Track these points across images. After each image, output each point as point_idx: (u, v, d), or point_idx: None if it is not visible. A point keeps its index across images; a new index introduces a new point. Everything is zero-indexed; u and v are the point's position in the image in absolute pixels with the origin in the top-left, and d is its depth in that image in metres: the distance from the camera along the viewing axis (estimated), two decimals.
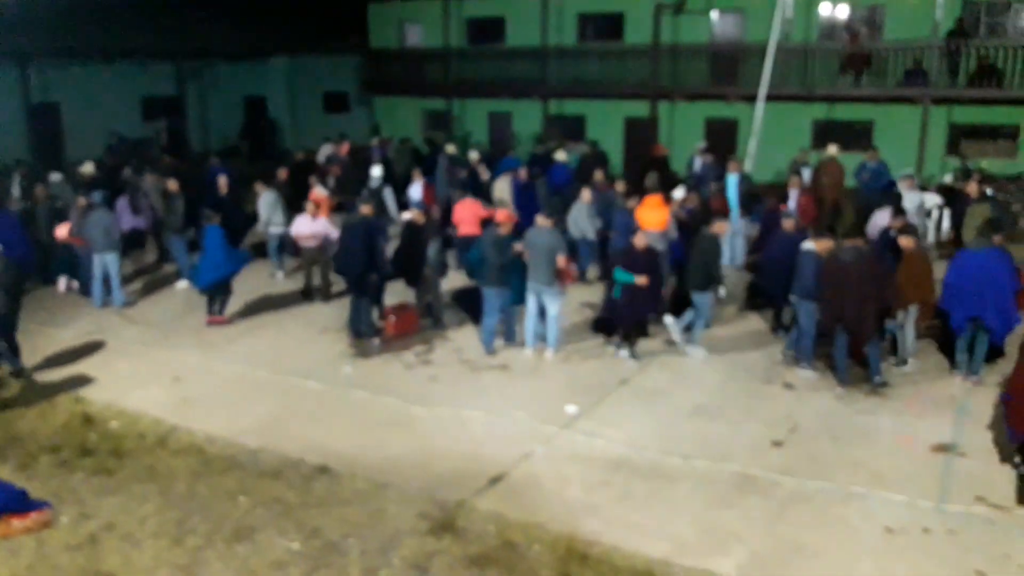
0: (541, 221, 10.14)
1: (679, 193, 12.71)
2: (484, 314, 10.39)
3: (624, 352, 10.12)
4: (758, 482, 7.27)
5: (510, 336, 10.59)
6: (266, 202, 13.75)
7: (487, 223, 11.61)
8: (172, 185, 13.56)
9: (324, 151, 19.88)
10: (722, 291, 10.97)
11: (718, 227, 10.30)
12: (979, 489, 7.03)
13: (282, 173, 14.95)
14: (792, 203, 12.74)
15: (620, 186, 13.36)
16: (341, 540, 6.49)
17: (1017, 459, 7.18)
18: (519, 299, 10.37)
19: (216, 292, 11.52)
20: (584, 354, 10.31)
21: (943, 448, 7.80)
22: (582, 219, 12.66)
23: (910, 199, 12.06)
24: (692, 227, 11.73)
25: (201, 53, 25.85)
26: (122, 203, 14.01)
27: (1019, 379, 7.18)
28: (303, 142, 23.75)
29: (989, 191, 14.10)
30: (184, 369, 10.11)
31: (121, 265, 12.69)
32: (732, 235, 13.72)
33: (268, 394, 9.36)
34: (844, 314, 8.85)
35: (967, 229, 11.42)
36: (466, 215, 13.00)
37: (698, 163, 16.33)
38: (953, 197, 13.63)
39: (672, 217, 11.90)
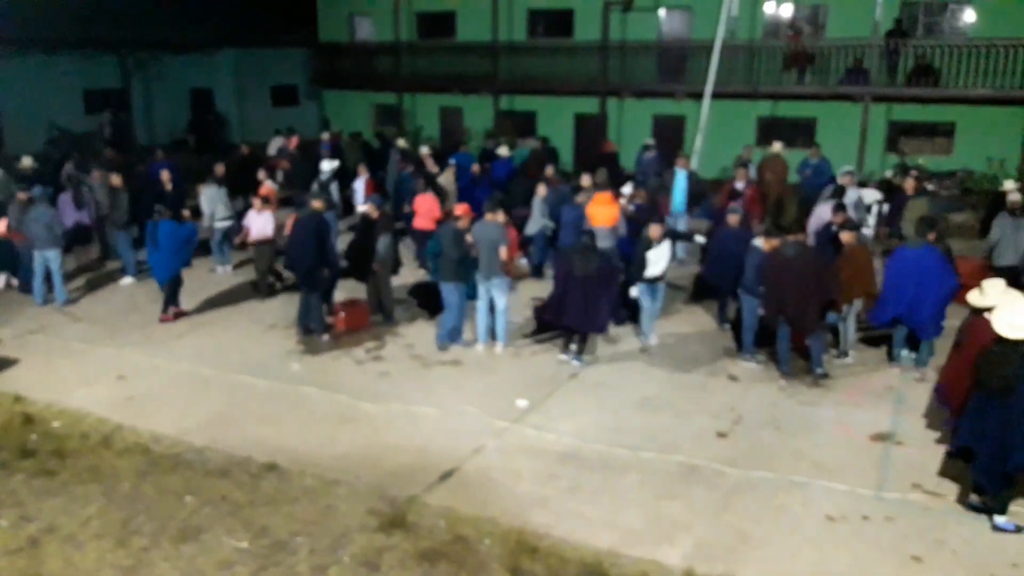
0: (489, 215, 10.19)
1: (627, 189, 12.85)
2: (445, 310, 10.30)
3: (572, 358, 9.89)
4: (703, 472, 7.42)
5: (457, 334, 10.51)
6: (207, 197, 13.57)
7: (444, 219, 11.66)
8: (116, 180, 13.30)
9: (274, 144, 19.66)
10: (634, 291, 10.56)
11: (652, 231, 10.03)
12: (915, 477, 7.26)
13: (219, 168, 14.72)
14: (739, 190, 12.99)
15: (586, 180, 13.29)
16: (290, 538, 6.45)
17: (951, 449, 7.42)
18: (473, 294, 10.31)
19: (175, 284, 11.48)
20: (535, 349, 10.38)
21: (881, 437, 8.04)
22: (538, 214, 12.73)
23: (848, 195, 12.38)
24: (640, 222, 11.88)
25: (146, 44, 25.32)
26: (65, 198, 13.68)
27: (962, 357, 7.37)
28: (251, 136, 23.44)
29: (930, 187, 14.53)
30: (129, 367, 9.92)
31: (64, 261, 12.39)
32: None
33: (215, 392, 9.24)
34: (786, 307, 9.06)
35: (906, 223, 11.77)
36: (423, 209, 12.97)
37: (646, 159, 16.53)
38: (892, 193, 14.02)
39: (621, 213, 12.02)
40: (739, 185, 13.21)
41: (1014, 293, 6.98)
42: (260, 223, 12.18)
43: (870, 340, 10.30)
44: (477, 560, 6.15)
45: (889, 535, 6.42)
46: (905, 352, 9.56)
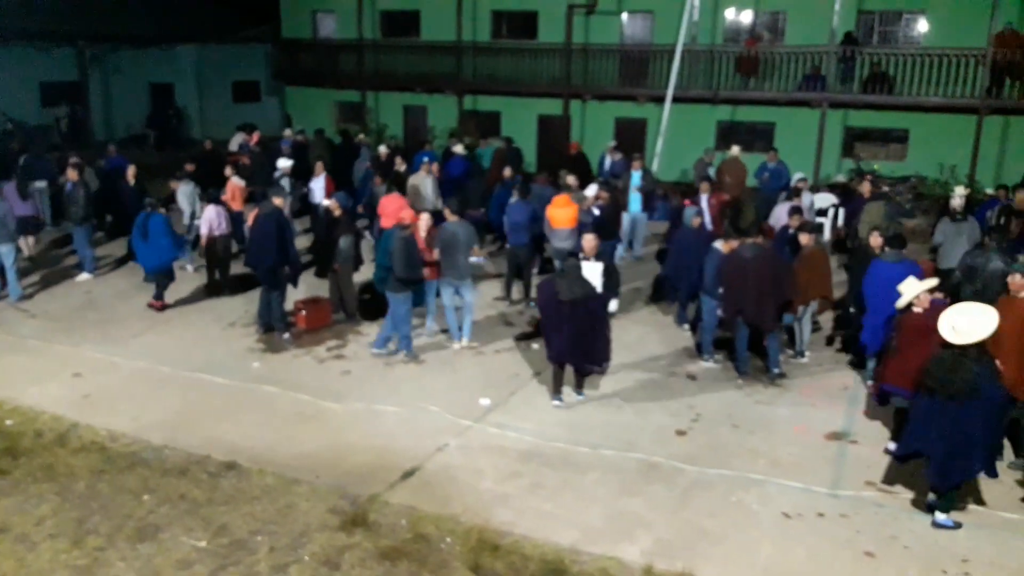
0: (449, 215, 10.16)
1: (591, 191, 12.95)
2: (397, 322, 9.87)
3: (576, 394, 8.95)
4: (663, 470, 7.52)
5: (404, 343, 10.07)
6: (184, 194, 13.42)
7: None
8: (73, 175, 13.06)
9: (236, 141, 19.44)
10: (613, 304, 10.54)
11: (587, 242, 9.57)
12: (869, 474, 7.44)
13: (189, 166, 14.57)
14: (704, 203, 13.11)
15: (572, 179, 13.26)
16: (249, 537, 6.41)
17: (891, 444, 7.62)
18: (419, 301, 10.14)
19: (160, 278, 11.53)
20: (498, 347, 10.41)
21: (836, 436, 8.22)
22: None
23: (805, 199, 12.64)
24: (601, 224, 12.02)
25: (104, 37, 24.82)
26: (8, 188, 13.37)
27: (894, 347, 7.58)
28: (211, 132, 23.11)
29: (885, 188, 14.85)
30: (85, 365, 9.76)
31: (17, 257, 12.14)
32: (633, 229, 14.23)
33: (173, 390, 9.12)
34: (745, 308, 9.22)
35: (863, 226, 11.99)
36: (390, 209, 12.88)
37: (608, 162, 16.68)
38: (847, 196, 14.32)
39: (584, 215, 12.12)
40: (704, 196, 13.33)
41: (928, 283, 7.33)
42: (221, 218, 12.11)
43: (830, 340, 10.55)
44: (438, 558, 6.16)
45: (843, 531, 6.56)
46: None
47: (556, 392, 8.81)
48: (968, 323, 6.29)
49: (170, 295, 12.01)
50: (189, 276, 13.11)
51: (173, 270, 11.75)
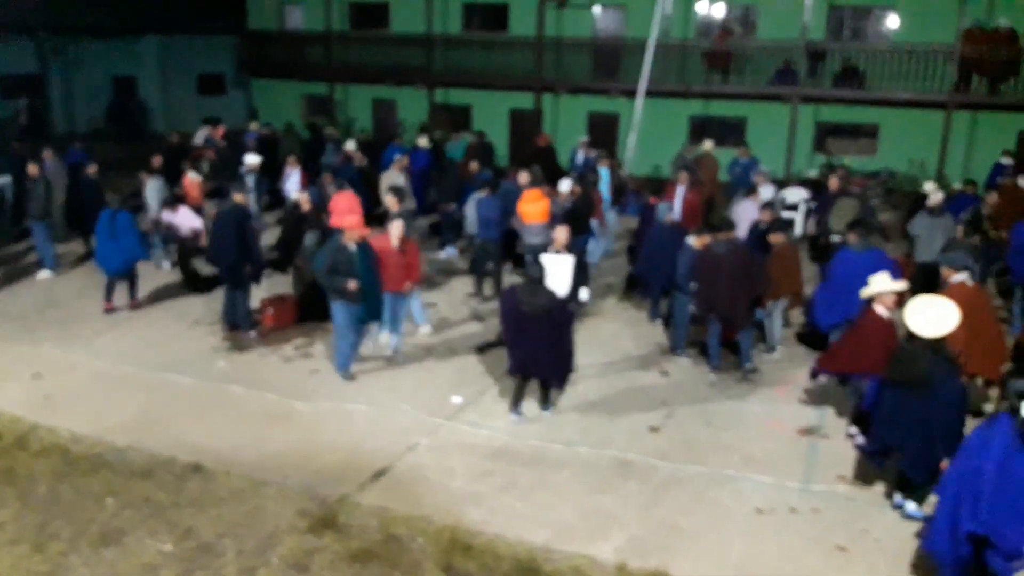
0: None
1: (565, 185, 12.86)
2: (336, 335, 9.28)
3: (542, 408, 8.54)
4: (636, 467, 7.48)
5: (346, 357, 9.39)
6: (153, 189, 13.16)
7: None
8: (32, 169, 12.75)
9: (201, 134, 19.13)
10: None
11: (558, 234, 9.29)
12: (840, 468, 7.46)
13: (156, 160, 14.29)
14: (679, 199, 13.08)
15: (523, 178, 13.25)
16: (216, 540, 6.27)
17: (853, 430, 7.67)
18: (372, 316, 9.18)
19: (122, 278, 11.22)
20: (470, 346, 10.31)
21: (808, 431, 8.24)
22: (471, 210, 12.62)
23: (765, 194, 12.74)
24: (573, 218, 11.96)
25: (65, 29, 24.31)
26: None
27: (848, 337, 7.69)
28: (175, 125, 22.73)
29: (856, 189, 14.96)
30: (45, 365, 9.51)
31: None
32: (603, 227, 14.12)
33: (137, 390, 8.92)
34: (717, 304, 9.21)
35: (835, 220, 12.07)
36: (340, 207, 12.70)
37: (581, 156, 16.63)
38: (818, 191, 14.40)
39: (557, 209, 12.05)
40: (681, 188, 13.31)
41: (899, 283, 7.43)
42: (178, 218, 11.92)
43: (801, 336, 10.58)
44: (410, 559, 6.08)
45: (816, 526, 6.58)
46: None
47: (515, 406, 8.37)
48: (938, 315, 6.33)
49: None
50: (152, 274, 12.85)
51: (135, 269, 11.40)
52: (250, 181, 14.04)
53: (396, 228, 9.29)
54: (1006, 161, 15.74)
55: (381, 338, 9.91)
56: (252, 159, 14.58)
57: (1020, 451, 5.07)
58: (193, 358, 9.81)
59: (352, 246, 8.78)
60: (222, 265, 10.30)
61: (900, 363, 6.44)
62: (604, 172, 14.15)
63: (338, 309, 8.92)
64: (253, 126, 19.39)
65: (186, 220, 12.08)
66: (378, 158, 16.27)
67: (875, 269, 8.79)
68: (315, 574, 5.91)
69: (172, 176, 14.17)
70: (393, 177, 13.90)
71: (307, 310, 10.68)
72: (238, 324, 10.48)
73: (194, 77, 27.62)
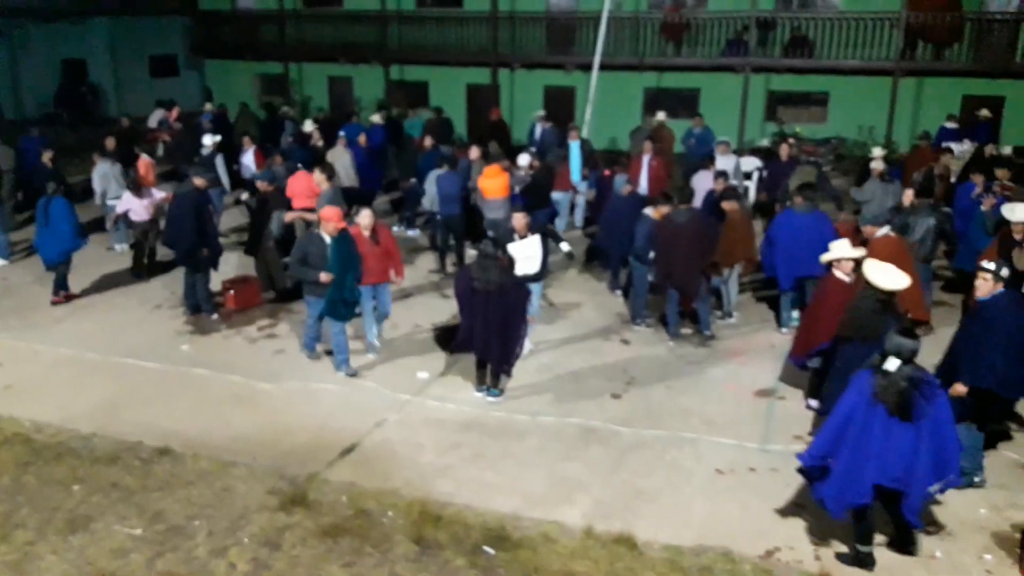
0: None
1: (524, 160, 12.93)
2: (307, 324, 9.08)
3: (486, 394, 8.39)
4: (600, 433, 7.66)
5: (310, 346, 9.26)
6: (99, 174, 12.95)
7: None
8: None
9: (155, 116, 18.85)
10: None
11: (517, 221, 8.97)
12: (796, 428, 7.71)
13: (109, 142, 14.05)
14: (644, 169, 13.24)
15: (474, 152, 13.32)
16: (186, 522, 6.32)
17: (812, 401, 7.94)
18: (338, 316, 8.63)
19: (56, 268, 10.88)
20: (434, 321, 10.39)
21: (765, 393, 8.49)
22: (431, 186, 12.64)
23: (725, 163, 12.95)
24: (533, 193, 12.07)
25: (11, 11, 23.61)
26: None
27: (810, 313, 7.93)
28: (128, 108, 22.27)
29: (813, 159, 15.25)
30: (5, 354, 9.41)
31: None
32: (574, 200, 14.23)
33: (100, 377, 8.87)
34: (674, 272, 9.40)
35: (794, 186, 12.31)
36: (297, 189, 12.64)
37: (538, 130, 16.68)
38: (770, 160, 14.66)
39: (516, 184, 12.14)
40: (646, 158, 13.45)
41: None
42: (141, 206, 11.75)
43: (757, 301, 10.84)
44: (381, 533, 6.18)
45: (774, 485, 6.79)
46: (795, 314, 9.99)
47: (479, 383, 8.39)
48: (892, 271, 6.64)
49: (93, 279, 11.65)
50: (110, 258, 12.71)
51: (71, 259, 11.02)
52: (218, 161, 13.95)
53: (365, 217, 8.88)
54: (951, 125, 16.16)
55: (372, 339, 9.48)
56: (210, 139, 14.43)
57: (872, 405, 5.35)
58: (156, 343, 9.76)
59: (327, 238, 8.38)
60: (179, 248, 10.22)
61: (854, 320, 6.71)
62: (574, 146, 14.21)
63: (310, 300, 8.74)
64: (207, 107, 19.11)
65: (148, 203, 11.87)
66: (335, 136, 16.14)
67: (815, 231, 9.16)
68: (286, 551, 5.98)
69: (126, 160, 13.96)
70: (339, 154, 13.90)
71: (300, 285, 10.64)
72: (200, 307, 10.43)
73: (145, 59, 27.05)
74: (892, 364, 5.33)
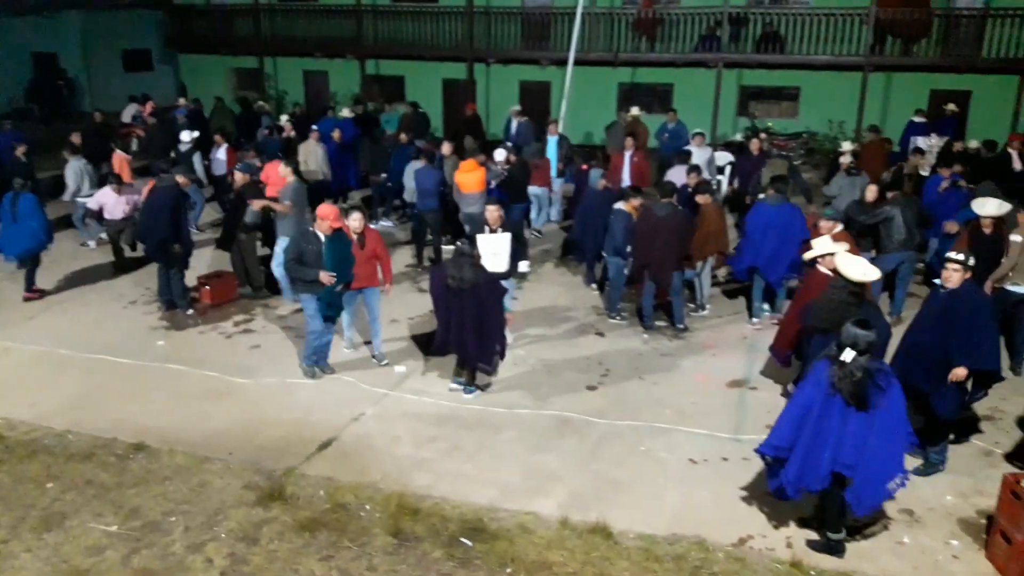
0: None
1: (500, 155, 12.97)
2: (308, 327, 8.57)
3: (462, 389, 8.37)
4: (575, 425, 7.74)
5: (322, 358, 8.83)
6: (73, 170, 12.84)
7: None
8: None
9: (129, 111, 18.67)
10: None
11: (490, 214, 8.84)
12: (768, 418, 7.70)
13: (75, 138, 13.92)
14: (627, 164, 13.34)
15: (447, 148, 13.38)
16: (163, 518, 6.30)
17: (791, 386, 8.07)
18: (331, 312, 8.48)
19: (24, 264, 10.78)
20: (411, 315, 10.42)
21: (737, 383, 8.62)
22: (409, 180, 12.65)
23: (700, 155, 13.05)
24: (510, 187, 12.13)
25: None
26: None
27: (794, 309, 8.06)
28: (101, 103, 22.03)
29: (784, 153, 15.45)
30: None
31: None
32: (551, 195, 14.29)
33: (74, 373, 8.81)
34: (652, 264, 9.50)
35: (766, 180, 12.45)
36: (275, 177, 12.62)
37: (514, 125, 16.73)
38: (743, 154, 14.81)
39: (493, 177, 12.19)
40: (628, 153, 13.54)
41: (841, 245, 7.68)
42: (117, 202, 11.66)
43: (729, 293, 10.97)
44: (358, 526, 6.20)
45: (746, 474, 6.89)
46: (766, 306, 10.18)
47: (456, 375, 8.40)
48: (862, 263, 6.82)
49: (65, 275, 11.54)
50: (83, 254, 12.60)
51: (40, 256, 10.94)
52: (197, 159, 13.90)
53: (355, 220, 8.53)
54: (919, 119, 16.41)
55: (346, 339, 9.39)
56: (188, 135, 14.35)
57: (830, 395, 5.48)
58: (131, 339, 9.71)
59: (321, 236, 8.14)
60: (151, 241, 10.17)
61: (825, 311, 6.83)
62: (552, 140, 14.29)
63: (305, 300, 8.38)
64: (182, 102, 18.96)
65: (126, 200, 11.78)
66: (306, 131, 16.10)
67: (787, 223, 9.34)
68: (264, 545, 5.99)
69: (100, 155, 13.85)
70: (311, 148, 13.91)
71: (260, 287, 10.80)
72: (175, 303, 10.38)
73: (119, 53, 26.73)
74: (848, 355, 5.45)
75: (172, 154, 14.02)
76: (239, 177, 10.86)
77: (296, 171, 10.81)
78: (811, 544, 6.01)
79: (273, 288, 10.85)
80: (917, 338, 6.80)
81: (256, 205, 10.41)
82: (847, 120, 18.71)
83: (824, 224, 8.67)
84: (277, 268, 10.39)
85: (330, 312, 8.46)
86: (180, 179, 10.35)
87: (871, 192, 10.34)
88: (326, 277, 8.04)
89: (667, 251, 9.41)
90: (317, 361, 8.75)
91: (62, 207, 13.66)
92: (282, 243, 10.20)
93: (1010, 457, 7.20)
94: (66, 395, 8.31)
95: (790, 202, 9.92)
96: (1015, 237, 8.60)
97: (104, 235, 13.00)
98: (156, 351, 9.40)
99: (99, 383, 8.60)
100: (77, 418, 7.80)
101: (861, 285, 6.76)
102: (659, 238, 9.38)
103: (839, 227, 8.90)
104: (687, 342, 9.64)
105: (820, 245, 7.81)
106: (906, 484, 5.58)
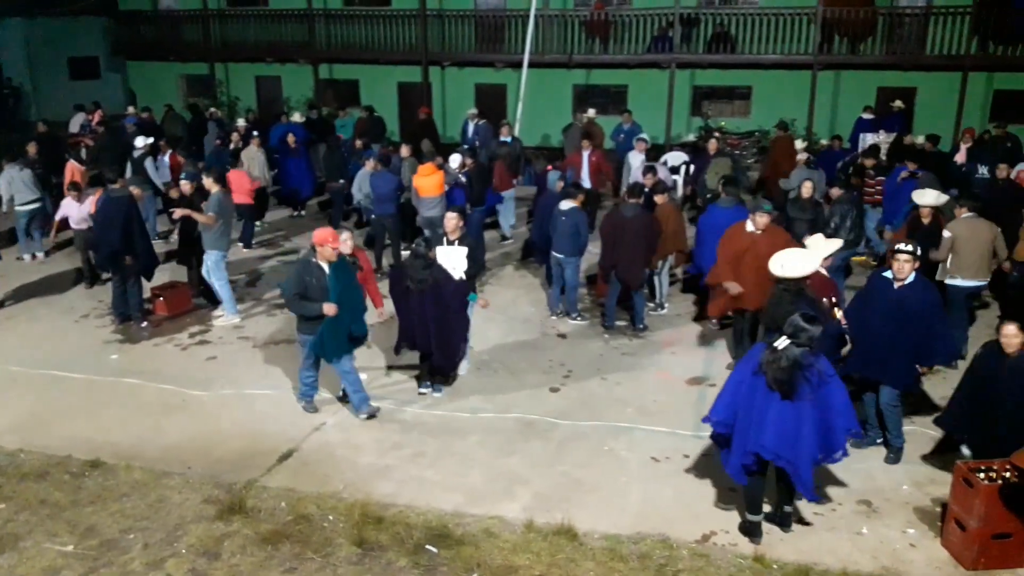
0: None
1: (455, 159, 12.94)
2: (303, 366, 7.93)
3: (431, 390, 8.42)
4: (539, 427, 7.76)
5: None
6: (5, 179, 12.52)
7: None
8: None
9: (76, 121, 18.26)
10: None
11: (448, 223, 8.64)
12: None
13: (31, 147, 13.65)
14: (585, 163, 13.43)
15: (405, 150, 13.33)
16: (121, 536, 6.18)
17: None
18: (336, 352, 7.64)
19: None
20: (371, 321, 10.29)
21: (697, 381, 8.72)
22: (365, 185, 12.57)
23: (637, 160, 13.32)
24: (470, 190, 12.12)
25: None
26: None
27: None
28: (48, 111, 21.55)
29: (729, 151, 15.70)
30: None
31: None
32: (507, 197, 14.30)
33: (25, 390, 8.59)
34: (619, 264, 9.59)
35: (710, 179, 12.71)
36: (235, 184, 12.47)
37: (472, 128, 16.72)
38: (697, 154, 15.01)
39: (451, 180, 12.17)
40: (585, 153, 13.61)
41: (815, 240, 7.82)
42: (83, 211, 11.38)
43: (688, 289, 11.10)
44: (322, 537, 6.14)
45: (708, 470, 6.97)
46: None
47: (421, 381, 8.40)
48: (792, 261, 6.93)
49: (12, 288, 11.25)
50: (29, 268, 12.29)
51: None
52: (149, 164, 13.68)
53: (345, 243, 7.78)
54: (868, 116, 16.78)
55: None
56: (142, 141, 14.11)
57: (756, 376, 5.66)
58: (84, 353, 9.50)
59: (325, 265, 7.46)
60: (103, 252, 9.97)
61: (770, 310, 6.92)
62: (505, 142, 14.32)
63: (305, 340, 7.66)
64: (131, 110, 18.61)
65: (86, 208, 11.51)
66: (264, 137, 15.93)
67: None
68: (226, 560, 5.90)
69: (50, 166, 13.56)
70: (252, 154, 13.82)
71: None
72: (129, 315, 10.18)
73: (65, 61, 26.16)
74: (781, 342, 5.56)
75: (127, 162, 13.77)
76: (186, 187, 10.65)
77: (217, 180, 10.24)
78: (740, 526, 6.18)
79: (211, 299, 10.65)
80: (868, 332, 6.92)
81: (177, 214, 10.21)
82: (798, 118, 18.98)
83: (760, 219, 8.33)
84: (211, 277, 10.18)
85: (329, 353, 7.60)
86: (134, 191, 10.15)
87: (806, 189, 10.49)
88: (330, 308, 7.32)
89: (635, 252, 9.49)
90: (360, 405, 7.95)
91: (6, 219, 13.32)
92: (210, 257, 10.02)
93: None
94: (17, 413, 8.09)
95: (742, 203, 10.04)
96: (946, 232, 8.85)
97: (41, 254, 12.81)
98: (110, 365, 9.21)
99: (51, 400, 8.40)
100: (29, 436, 7.61)
101: (798, 280, 6.86)
102: (626, 238, 9.46)
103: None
104: (647, 341, 9.72)
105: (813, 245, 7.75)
106: (837, 460, 5.75)
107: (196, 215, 9.99)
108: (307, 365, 7.86)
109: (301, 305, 7.44)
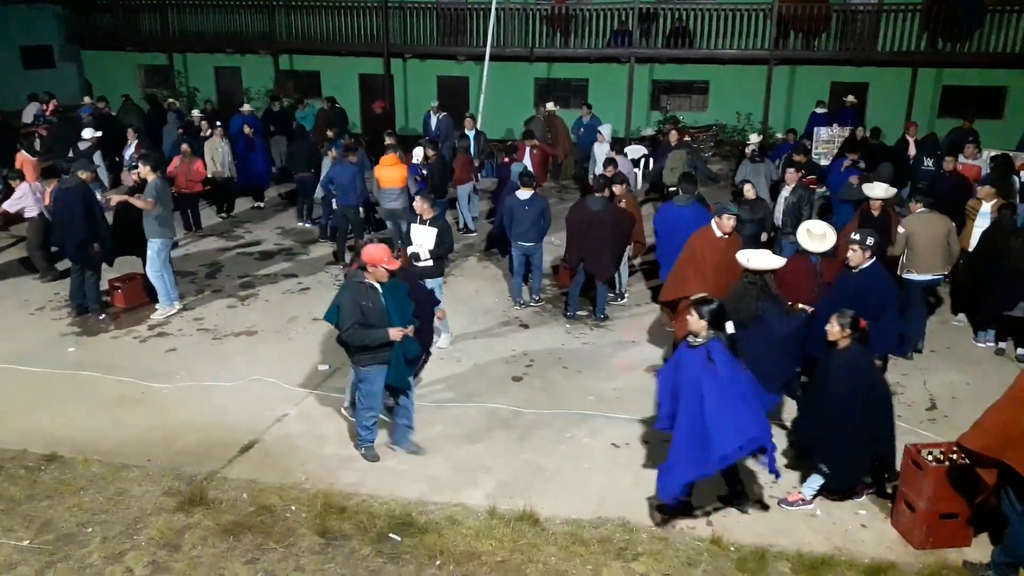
0: None
1: (418, 152, 12.93)
2: (363, 404, 6.99)
3: None
4: (502, 416, 7.83)
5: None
6: None
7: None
8: None
9: (29, 111, 17.88)
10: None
11: (419, 206, 8.90)
12: None
13: None
14: (527, 156, 13.52)
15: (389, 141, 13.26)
16: (78, 530, 6.11)
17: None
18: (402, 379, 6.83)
19: None
20: None
21: (655, 368, 8.78)
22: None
23: (601, 151, 13.45)
24: (432, 182, 12.12)
25: None
26: None
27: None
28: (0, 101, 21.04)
29: (689, 139, 15.89)
30: None
31: None
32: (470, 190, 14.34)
33: None
34: (586, 257, 9.68)
35: (667, 172, 12.89)
36: (190, 174, 12.35)
37: (434, 121, 16.71)
38: (656, 147, 15.18)
39: (413, 176, 12.17)
40: (528, 148, 13.68)
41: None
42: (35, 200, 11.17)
43: (647, 278, 11.25)
44: (284, 527, 6.14)
45: (666, 456, 7.08)
46: None
47: None
48: (758, 256, 7.09)
49: None
50: None
51: None
52: (96, 157, 13.42)
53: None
54: (821, 111, 17.12)
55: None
56: (89, 133, 13.84)
57: (687, 375, 5.90)
58: (40, 346, 9.34)
59: (378, 286, 6.67)
60: (69, 244, 9.78)
61: (733, 300, 7.01)
62: (469, 135, 14.34)
63: (372, 374, 6.75)
64: (86, 100, 18.27)
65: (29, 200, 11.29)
66: (225, 128, 15.75)
67: (694, 221, 9.57)
68: (187, 552, 5.87)
69: (2, 156, 13.27)
70: (215, 145, 13.71)
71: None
72: (87, 307, 10.03)
73: (16, 50, 25.50)
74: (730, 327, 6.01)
75: (72, 153, 13.53)
76: (145, 171, 10.47)
77: (154, 169, 10.03)
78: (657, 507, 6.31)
79: (151, 294, 10.50)
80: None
81: (114, 201, 10.07)
82: (754, 112, 19.32)
83: (725, 222, 8.14)
84: (148, 268, 10.05)
85: (400, 380, 6.80)
86: (84, 175, 9.94)
87: (748, 191, 10.63)
88: (396, 333, 6.51)
89: (602, 244, 9.58)
90: (402, 438, 7.23)
91: None
92: (153, 245, 9.87)
93: None
94: None
95: (698, 201, 10.17)
96: (900, 228, 9.09)
97: None
98: (67, 358, 9.07)
99: (7, 394, 8.25)
100: None
101: (760, 273, 7.01)
102: (592, 231, 9.55)
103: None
104: (608, 330, 9.84)
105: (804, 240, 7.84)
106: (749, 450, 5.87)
107: (133, 200, 9.82)
108: (368, 403, 6.89)
109: (364, 334, 6.51)
